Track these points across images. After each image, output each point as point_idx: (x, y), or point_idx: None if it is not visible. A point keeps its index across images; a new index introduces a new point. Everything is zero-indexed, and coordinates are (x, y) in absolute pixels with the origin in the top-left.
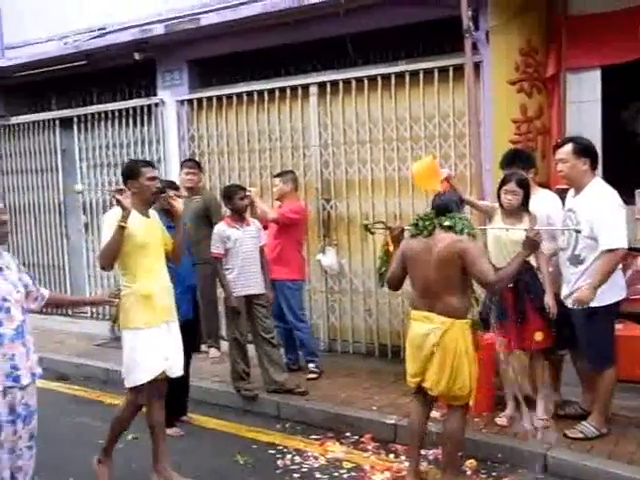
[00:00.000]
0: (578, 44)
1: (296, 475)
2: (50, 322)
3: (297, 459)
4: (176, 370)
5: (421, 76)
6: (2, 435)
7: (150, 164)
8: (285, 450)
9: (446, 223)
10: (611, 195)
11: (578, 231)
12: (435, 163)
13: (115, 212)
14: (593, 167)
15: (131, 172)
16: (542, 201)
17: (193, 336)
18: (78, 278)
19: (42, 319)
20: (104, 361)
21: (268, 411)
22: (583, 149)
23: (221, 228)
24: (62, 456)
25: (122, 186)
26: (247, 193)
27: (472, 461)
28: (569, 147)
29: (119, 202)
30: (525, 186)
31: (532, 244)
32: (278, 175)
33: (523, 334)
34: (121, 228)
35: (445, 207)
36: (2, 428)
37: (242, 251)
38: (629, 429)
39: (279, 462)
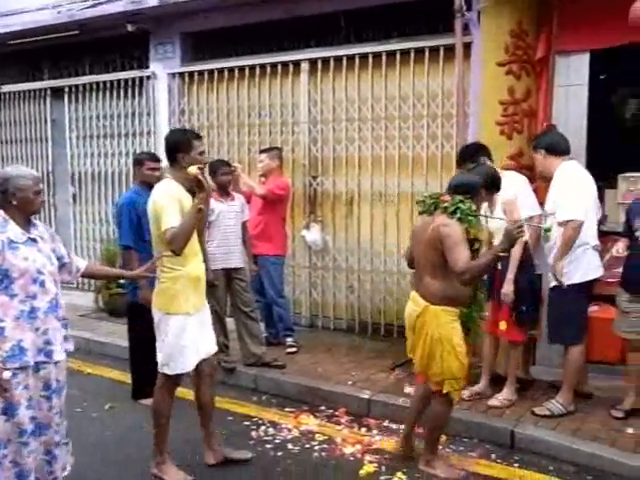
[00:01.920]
0: (569, 27)
1: (269, 446)
2: None
3: (271, 431)
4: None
5: (412, 55)
6: (36, 411)
7: (199, 136)
8: (260, 422)
9: (445, 204)
10: (573, 172)
11: (548, 230)
12: None
13: (168, 188)
14: (555, 154)
15: (184, 144)
16: (509, 184)
17: None
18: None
19: None
20: (86, 331)
21: (245, 384)
22: (535, 145)
23: None
24: None
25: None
26: (232, 169)
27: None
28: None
29: (200, 183)
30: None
31: (511, 237)
32: (264, 151)
33: (494, 318)
34: (199, 211)
35: (456, 187)
36: (38, 404)
37: (224, 224)
38: (597, 408)
39: (253, 433)
